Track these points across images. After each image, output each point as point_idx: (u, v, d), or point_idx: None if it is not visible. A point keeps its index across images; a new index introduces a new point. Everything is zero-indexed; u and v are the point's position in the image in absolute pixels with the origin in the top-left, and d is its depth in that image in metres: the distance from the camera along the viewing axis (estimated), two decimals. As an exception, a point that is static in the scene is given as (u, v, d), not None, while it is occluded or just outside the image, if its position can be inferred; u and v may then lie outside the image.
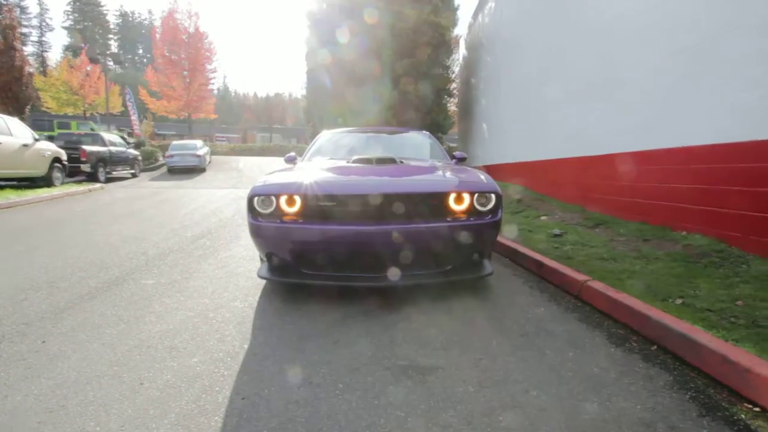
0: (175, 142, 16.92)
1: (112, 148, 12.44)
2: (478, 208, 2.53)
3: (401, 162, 3.08)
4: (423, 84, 12.51)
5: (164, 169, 16.48)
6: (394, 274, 2.45)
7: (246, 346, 1.96)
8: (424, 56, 12.04)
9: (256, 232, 2.50)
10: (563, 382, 1.66)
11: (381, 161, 2.96)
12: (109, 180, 12.18)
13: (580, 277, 2.68)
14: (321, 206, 2.45)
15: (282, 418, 1.42)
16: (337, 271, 2.49)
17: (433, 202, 2.48)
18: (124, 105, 22.94)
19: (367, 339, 2.04)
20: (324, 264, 2.49)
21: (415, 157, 3.63)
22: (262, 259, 2.76)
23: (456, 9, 13.16)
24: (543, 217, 5.68)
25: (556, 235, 4.31)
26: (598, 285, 2.52)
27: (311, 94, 16.97)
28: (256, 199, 2.49)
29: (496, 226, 2.54)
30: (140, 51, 65.18)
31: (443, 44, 12.72)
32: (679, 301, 2.43)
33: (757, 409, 1.46)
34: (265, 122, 47.34)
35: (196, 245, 4.22)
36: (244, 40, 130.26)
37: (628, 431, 1.36)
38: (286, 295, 2.67)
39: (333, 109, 14.81)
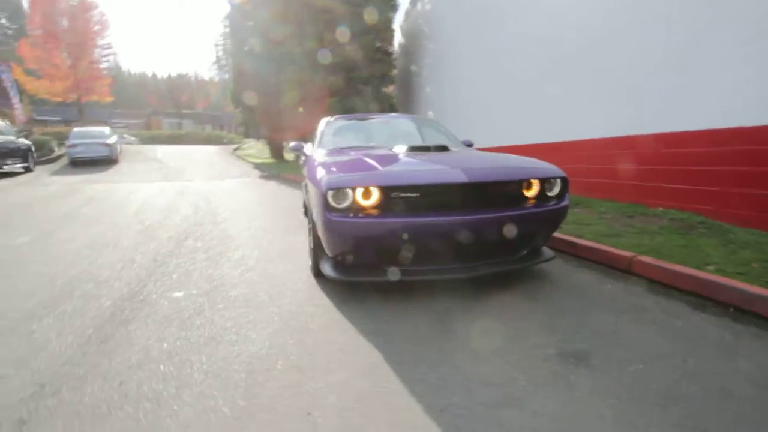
0: (76, 129, 14.40)
1: (-2, 137, 10.20)
2: (549, 193, 2.58)
3: (452, 150, 2.99)
4: (368, 69, 12.34)
5: (64, 161, 13.99)
6: (476, 263, 2.41)
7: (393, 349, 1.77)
8: (370, 42, 11.85)
9: (335, 229, 2.25)
10: (703, 347, 1.80)
11: (438, 149, 2.86)
12: (-4, 176, 10.00)
13: (625, 252, 2.91)
14: (403, 198, 2.28)
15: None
16: (422, 265, 2.37)
17: (514, 189, 2.47)
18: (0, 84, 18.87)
19: (481, 328, 1.99)
20: (408, 258, 2.34)
21: (446, 143, 3.56)
22: (321, 257, 2.52)
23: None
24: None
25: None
26: (647, 259, 2.76)
27: (240, 78, 15.72)
28: (331, 192, 2.23)
29: (565, 211, 2.62)
30: (2, 21, 53.75)
31: (387, 30, 12.64)
32: (711, 268, 2.77)
33: None
34: (171, 107, 42.62)
35: (186, 248, 3.68)
36: (136, 12, 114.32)
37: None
38: (364, 294, 2.45)
39: (266, 96, 13.94)
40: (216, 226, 4.58)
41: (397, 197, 2.28)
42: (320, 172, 2.46)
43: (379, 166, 2.41)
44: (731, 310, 2.20)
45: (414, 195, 2.28)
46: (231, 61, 17.88)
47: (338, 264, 2.43)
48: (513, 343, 1.87)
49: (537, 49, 6.66)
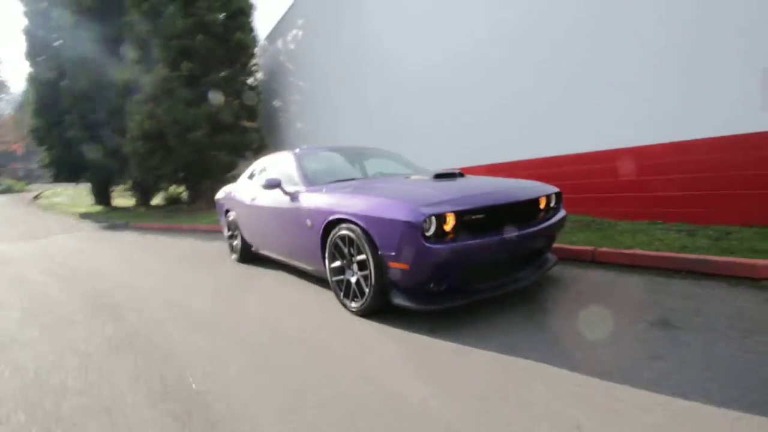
0: None
1: None
2: (553, 205, 2.99)
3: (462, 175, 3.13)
4: (234, 104, 11.57)
5: None
6: (524, 272, 2.62)
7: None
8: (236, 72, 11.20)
9: (431, 258, 2.10)
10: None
11: (460, 175, 2.99)
12: None
13: (584, 247, 3.56)
14: (473, 220, 2.31)
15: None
16: (496, 280, 2.42)
17: (540, 205, 2.78)
18: None
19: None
20: (482, 277, 2.37)
21: (417, 170, 3.71)
22: (390, 289, 2.29)
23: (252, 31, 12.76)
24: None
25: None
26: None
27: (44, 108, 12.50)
28: (426, 220, 2.11)
29: (565, 219, 3.07)
30: None
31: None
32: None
33: None
34: None
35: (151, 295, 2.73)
36: None
37: None
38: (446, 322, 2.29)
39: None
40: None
41: (468, 220, 2.29)
42: (385, 203, 2.28)
43: (446, 193, 2.41)
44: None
45: (480, 216, 2.34)
46: (32, 87, 14.10)
47: (413, 294, 2.26)
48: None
49: (409, 90, 7.55)
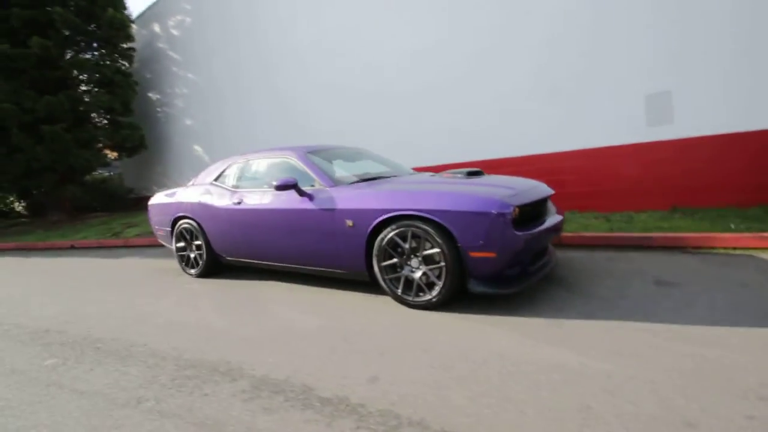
0: None
1: None
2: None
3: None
4: (103, 94, 9.65)
5: None
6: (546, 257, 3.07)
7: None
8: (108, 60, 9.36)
9: (519, 244, 2.37)
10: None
11: (483, 172, 3.26)
12: None
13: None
14: (527, 211, 2.63)
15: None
16: (535, 264, 2.77)
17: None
18: None
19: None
20: (533, 261, 2.71)
21: (398, 169, 3.89)
22: (468, 279, 2.44)
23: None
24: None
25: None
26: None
27: None
28: (510, 211, 2.33)
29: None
30: None
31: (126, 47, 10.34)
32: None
33: None
34: None
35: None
36: None
37: None
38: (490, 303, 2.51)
39: None
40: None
41: (524, 212, 2.61)
42: (466, 198, 2.43)
43: (508, 188, 2.66)
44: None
45: (530, 209, 2.68)
46: None
47: (490, 281, 2.46)
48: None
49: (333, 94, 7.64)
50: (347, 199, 2.87)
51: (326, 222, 2.93)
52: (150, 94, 12.24)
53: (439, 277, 2.51)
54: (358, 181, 3.16)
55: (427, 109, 6.56)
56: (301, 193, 3.08)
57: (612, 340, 1.96)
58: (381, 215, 2.65)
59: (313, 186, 3.13)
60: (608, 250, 3.72)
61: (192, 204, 3.97)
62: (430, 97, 6.50)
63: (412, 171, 3.89)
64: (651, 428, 1.33)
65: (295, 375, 1.88)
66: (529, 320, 2.30)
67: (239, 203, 3.53)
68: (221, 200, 3.70)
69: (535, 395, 1.57)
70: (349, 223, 2.81)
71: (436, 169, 3.87)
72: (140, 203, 12.43)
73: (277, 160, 3.51)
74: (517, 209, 2.40)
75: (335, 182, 3.09)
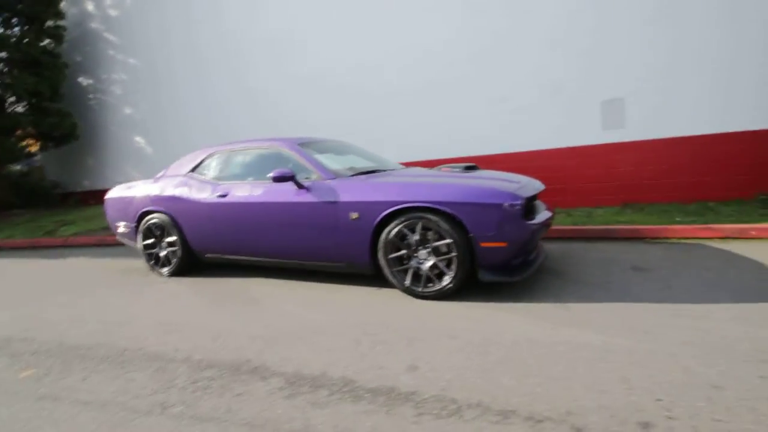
0: None
1: None
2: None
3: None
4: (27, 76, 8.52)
5: None
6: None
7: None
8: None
9: (528, 234, 2.51)
10: None
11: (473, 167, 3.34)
12: None
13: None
14: (528, 204, 2.77)
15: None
16: (531, 254, 2.93)
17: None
18: None
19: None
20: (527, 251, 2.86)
21: (383, 162, 3.88)
22: (479, 269, 2.51)
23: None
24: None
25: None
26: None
27: None
28: (520, 202, 2.44)
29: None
30: None
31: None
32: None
33: None
34: None
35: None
36: None
37: None
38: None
39: None
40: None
41: (525, 205, 2.75)
42: (479, 190, 2.53)
43: (513, 182, 2.78)
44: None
45: (531, 200, 2.83)
46: None
47: (498, 270, 2.55)
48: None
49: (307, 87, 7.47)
50: (351, 191, 2.82)
51: (327, 215, 2.86)
52: (81, 79, 11.00)
53: (449, 267, 2.56)
54: (357, 174, 3.12)
55: (400, 106, 6.61)
56: (299, 185, 2.98)
57: (620, 319, 2.14)
58: (390, 207, 2.64)
59: (308, 178, 3.04)
60: (579, 242, 4.02)
61: (163, 197, 3.66)
62: (403, 93, 6.56)
63: (401, 166, 3.91)
64: (686, 392, 1.48)
65: (330, 369, 1.83)
66: (536, 305, 2.42)
67: (224, 196, 3.32)
68: (201, 193, 3.46)
69: (575, 372, 1.67)
70: (354, 215, 2.77)
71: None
72: (68, 199, 11.17)
73: (267, 152, 3.36)
74: (525, 200, 2.53)
75: (333, 174, 3.02)
